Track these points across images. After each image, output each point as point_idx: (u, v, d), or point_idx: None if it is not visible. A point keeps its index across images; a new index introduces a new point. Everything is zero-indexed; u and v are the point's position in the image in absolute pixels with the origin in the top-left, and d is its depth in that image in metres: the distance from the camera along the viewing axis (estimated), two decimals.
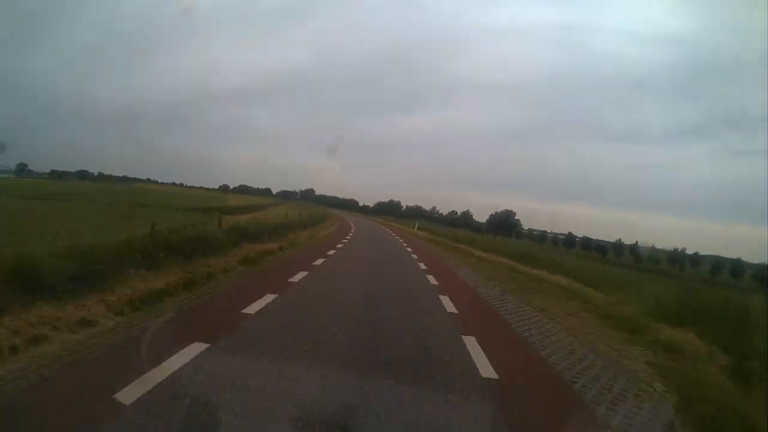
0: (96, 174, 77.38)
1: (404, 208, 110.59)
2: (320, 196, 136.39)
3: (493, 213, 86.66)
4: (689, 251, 54.63)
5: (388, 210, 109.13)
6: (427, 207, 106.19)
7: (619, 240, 63.06)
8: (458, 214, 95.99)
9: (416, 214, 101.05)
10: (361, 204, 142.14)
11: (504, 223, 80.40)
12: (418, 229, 40.55)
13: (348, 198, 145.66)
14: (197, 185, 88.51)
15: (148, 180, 75.99)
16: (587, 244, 70.07)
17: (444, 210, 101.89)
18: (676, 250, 55.29)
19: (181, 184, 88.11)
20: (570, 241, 69.57)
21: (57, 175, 66.95)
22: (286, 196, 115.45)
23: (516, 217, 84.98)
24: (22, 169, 69.39)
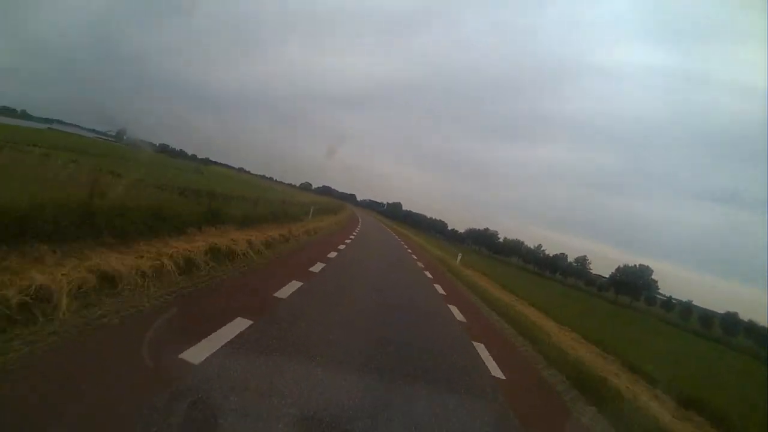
0: (177, 150, 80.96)
1: (502, 240, 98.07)
2: (407, 211, 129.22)
3: (621, 266, 71.14)
4: None
5: (482, 239, 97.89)
6: (531, 244, 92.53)
7: None
8: (569, 260, 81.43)
9: (515, 250, 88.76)
10: (450, 227, 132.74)
11: (635, 283, 65.37)
12: None
13: (436, 218, 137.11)
14: (286, 181, 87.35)
15: (241, 169, 75.90)
16: (752, 330, 53.12)
17: (550, 251, 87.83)
18: None
19: (270, 178, 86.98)
20: (731, 323, 53.22)
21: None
22: (370, 205, 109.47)
23: (653, 277, 68.64)
24: (120, 135, 72.79)
